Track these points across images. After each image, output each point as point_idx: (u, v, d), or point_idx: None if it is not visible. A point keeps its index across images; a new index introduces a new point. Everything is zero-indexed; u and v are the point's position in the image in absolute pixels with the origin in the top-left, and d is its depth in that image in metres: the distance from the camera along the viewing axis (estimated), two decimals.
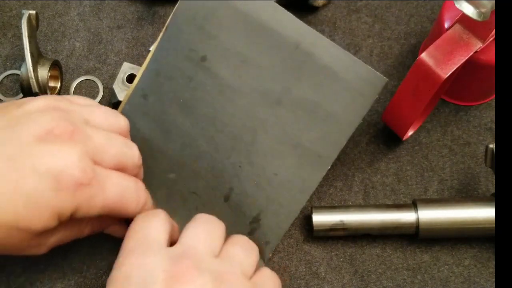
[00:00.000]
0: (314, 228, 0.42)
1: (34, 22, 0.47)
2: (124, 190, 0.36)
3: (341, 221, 0.42)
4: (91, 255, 0.43)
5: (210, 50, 0.42)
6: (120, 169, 0.36)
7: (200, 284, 0.31)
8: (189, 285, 0.31)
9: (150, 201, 0.39)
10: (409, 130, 0.45)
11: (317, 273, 0.43)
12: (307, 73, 0.40)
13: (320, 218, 0.42)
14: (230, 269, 0.34)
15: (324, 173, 0.41)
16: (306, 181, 0.41)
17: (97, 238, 0.44)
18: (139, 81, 0.44)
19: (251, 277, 0.35)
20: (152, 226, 0.35)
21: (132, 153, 0.37)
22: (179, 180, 0.42)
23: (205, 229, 0.35)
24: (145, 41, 0.52)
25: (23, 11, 0.46)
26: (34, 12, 0.47)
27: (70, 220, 0.34)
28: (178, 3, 0.43)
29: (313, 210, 0.42)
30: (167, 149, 0.42)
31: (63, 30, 0.52)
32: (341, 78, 0.40)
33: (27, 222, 0.32)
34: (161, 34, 0.44)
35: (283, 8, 0.41)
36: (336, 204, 0.45)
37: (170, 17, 0.43)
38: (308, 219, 0.44)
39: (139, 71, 0.44)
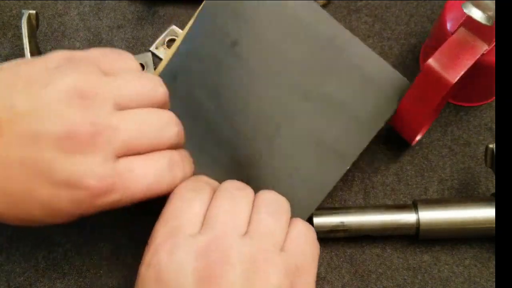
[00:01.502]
0: (315, 229, 0.42)
1: (34, 22, 0.47)
2: (154, 178, 0.33)
3: (341, 222, 0.42)
4: (91, 256, 0.43)
5: (242, 35, 0.41)
6: (155, 149, 0.34)
7: (232, 280, 0.30)
8: (221, 283, 0.30)
9: (188, 171, 0.36)
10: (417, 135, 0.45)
11: (317, 273, 0.43)
12: (336, 70, 0.39)
13: (321, 220, 0.42)
14: (261, 246, 0.32)
15: (343, 173, 0.41)
16: (324, 179, 0.40)
17: (97, 239, 0.44)
18: (169, 62, 0.43)
19: (284, 242, 0.33)
20: (189, 212, 0.33)
21: (169, 133, 0.35)
22: (197, 167, 0.40)
23: (231, 205, 0.33)
24: (145, 41, 0.52)
25: (23, 11, 0.46)
26: (34, 12, 0.47)
27: None
28: None
29: (314, 212, 0.42)
30: (190, 134, 0.40)
31: (63, 30, 0.52)
32: (369, 79, 0.40)
33: (45, 222, 0.32)
34: (195, 14, 0.42)
35: (320, 7, 0.40)
36: (336, 204, 0.45)
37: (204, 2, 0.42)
38: (309, 220, 0.44)
39: (168, 52, 0.41)
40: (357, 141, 0.40)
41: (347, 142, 0.40)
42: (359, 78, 0.40)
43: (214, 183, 0.37)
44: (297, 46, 0.40)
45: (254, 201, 0.35)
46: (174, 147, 0.36)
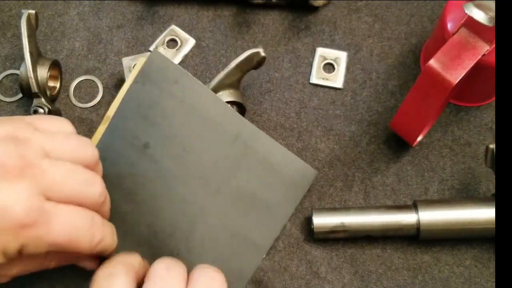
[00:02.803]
0: (315, 230, 0.42)
1: (33, 21, 0.47)
2: (74, 229, 0.34)
3: (341, 223, 0.42)
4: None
5: (153, 137, 0.43)
6: (78, 204, 0.35)
7: None
8: None
9: (108, 238, 0.37)
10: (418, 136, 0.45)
11: (317, 273, 0.43)
12: (245, 165, 0.41)
13: (321, 220, 0.42)
14: None
15: (260, 262, 0.42)
16: (242, 269, 0.42)
17: None
18: None
19: None
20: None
21: (92, 190, 0.36)
22: None
23: None
24: (145, 41, 0.52)
25: (23, 10, 0.46)
26: (33, 11, 0.47)
27: (27, 255, 0.33)
28: (126, 91, 0.43)
29: (314, 212, 0.42)
30: None
31: (63, 30, 0.52)
32: (277, 171, 0.42)
33: None
34: (108, 121, 0.44)
35: (224, 102, 0.42)
36: (336, 205, 0.45)
37: (116, 106, 0.43)
38: (309, 219, 0.44)
39: None
40: (269, 230, 0.42)
41: (260, 231, 0.42)
42: (267, 170, 0.42)
43: (134, 259, 0.37)
44: (207, 144, 0.42)
45: (189, 277, 0.35)
46: (97, 208, 0.37)
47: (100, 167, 0.39)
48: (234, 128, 0.42)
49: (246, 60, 0.44)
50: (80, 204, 0.35)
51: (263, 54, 0.43)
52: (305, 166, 0.41)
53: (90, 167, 0.37)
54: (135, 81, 0.43)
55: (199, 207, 0.41)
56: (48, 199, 0.33)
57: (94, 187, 0.36)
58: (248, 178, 0.41)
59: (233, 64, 0.44)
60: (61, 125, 0.38)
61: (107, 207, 0.38)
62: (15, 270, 0.35)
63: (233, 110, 0.42)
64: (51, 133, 0.36)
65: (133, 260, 0.36)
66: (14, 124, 0.35)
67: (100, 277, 0.35)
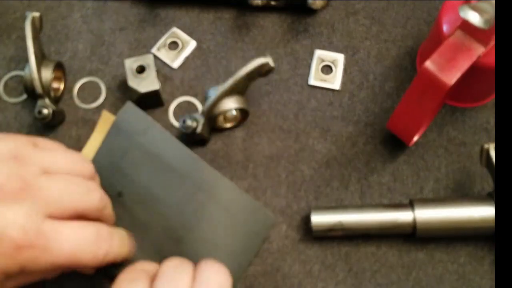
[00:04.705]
0: (313, 229, 0.43)
1: (37, 24, 0.47)
2: (76, 246, 0.34)
3: (339, 222, 0.42)
4: None
5: (125, 186, 0.43)
6: (80, 216, 0.35)
7: None
8: None
9: (117, 247, 0.37)
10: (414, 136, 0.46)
11: (310, 271, 0.43)
12: (208, 214, 0.42)
13: (319, 219, 0.43)
14: None
15: None
16: None
17: None
18: None
19: None
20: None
21: (92, 198, 0.36)
22: None
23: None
24: (147, 43, 0.52)
25: (27, 13, 0.47)
26: (37, 14, 0.47)
27: (26, 272, 0.33)
28: (102, 142, 0.44)
29: (312, 211, 0.43)
30: None
31: (66, 32, 0.53)
32: (238, 219, 0.42)
33: None
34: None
35: (188, 149, 0.43)
36: (332, 204, 0.46)
37: (89, 153, 0.45)
38: (306, 219, 0.45)
39: None
40: (232, 276, 0.41)
41: None
42: (228, 218, 0.42)
43: (153, 267, 0.37)
44: (171, 193, 0.43)
45: (195, 274, 0.35)
46: (100, 214, 0.37)
47: (97, 178, 0.40)
48: (197, 177, 0.43)
49: (255, 69, 0.44)
50: (82, 215, 0.35)
51: (272, 65, 0.44)
52: (264, 213, 0.42)
53: (88, 179, 0.38)
54: (109, 133, 0.44)
55: (164, 255, 0.41)
56: (50, 215, 0.33)
57: (93, 194, 0.37)
58: (210, 227, 0.42)
59: (242, 72, 0.44)
60: (58, 146, 0.39)
61: (109, 211, 0.39)
62: (16, 282, 0.35)
63: (198, 158, 0.43)
64: (49, 149, 0.38)
65: (153, 268, 0.37)
66: (17, 141, 0.36)
67: (124, 281, 0.35)
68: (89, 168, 0.39)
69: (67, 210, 0.35)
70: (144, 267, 0.37)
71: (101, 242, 0.36)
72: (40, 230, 0.32)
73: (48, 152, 0.37)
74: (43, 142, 0.39)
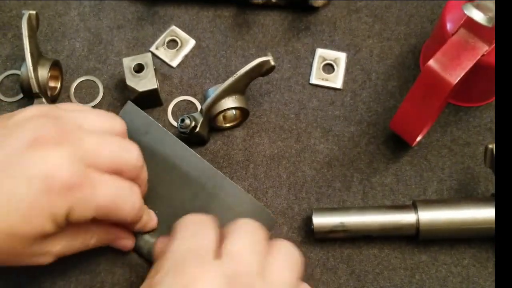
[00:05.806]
0: (315, 230, 0.42)
1: (34, 22, 0.47)
2: (117, 193, 0.35)
3: (341, 223, 0.42)
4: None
5: None
6: (116, 172, 0.36)
7: None
8: None
9: (146, 210, 0.38)
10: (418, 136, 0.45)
11: (312, 274, 0.43)
12: (210, 213, 0.42)
13: (321, 220, 0.42)
14: None
15: None
16: None
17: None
18: None
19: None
20: (204, 234, 0.34)
21: (129, 156, 0.37)
22: None
23: (251, 243, 0.34)
24: (145, 41, 0.52)
25: (23, 11, 0.46)
26: (34, 12, 0.47)
27: (71, 227, 0.34)
28: None
29: (313, 212, 0.42)
30: None
31: (63, 30, 0.52)
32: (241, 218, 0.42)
33: (22, 227, 0.32)
34: None
35: (190, 149, 0.44)
36: (334, 205, 0.45)
37: None
38: (307, 220, 0.45)
39: None
40: None
41: None
42: (231, 218, 0.42)
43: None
44: (175, 192, 0.43)
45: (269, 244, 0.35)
46: (136, 174, 0.38)
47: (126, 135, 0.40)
48: (201, 176, 0.43)
49: (256, 68, 0.44)
50: (119, 170, 0.36)
51: (273, 63, 0.44)
52: (266, 213, 0.42)
53: (120, 137, 0.38)
54: None
55: None
56: (88, 166, 0.34)
57: (131, 152, 0.37)
58: None
59: (242, 71, 0.44)
60: (83, 106, 0.40)
61: (145, 174, 0.39)
62: (59, 246, 0.35)
63: (200, 158, 0.43)
64: (78, 110, 0.38)
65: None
66: (43, 107, 0.36)
67: (190, 222, 0.36)
68: (122, 125, 0.39)
69: (105, 163, 0.35)
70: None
71: (134, 196, 0.37)
72: (85, 173, 0.33)
73: (78, 112, 0.37)
74: (70, 105, 0.39)
